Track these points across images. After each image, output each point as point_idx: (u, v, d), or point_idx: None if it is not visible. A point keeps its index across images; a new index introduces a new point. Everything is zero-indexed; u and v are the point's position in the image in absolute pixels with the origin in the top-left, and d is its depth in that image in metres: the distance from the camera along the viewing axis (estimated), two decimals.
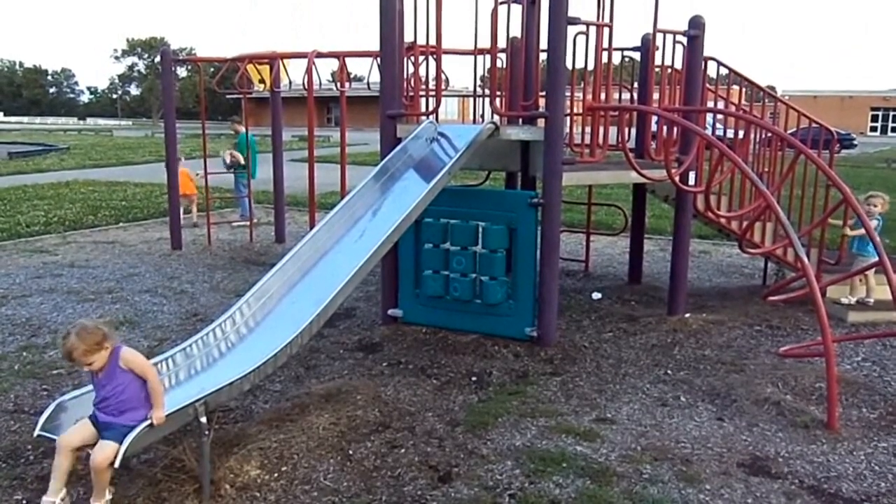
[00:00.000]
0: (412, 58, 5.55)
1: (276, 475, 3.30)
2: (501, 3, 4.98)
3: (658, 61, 5.64)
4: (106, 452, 2.82)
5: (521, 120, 5.46)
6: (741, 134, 6.44)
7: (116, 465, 2.78)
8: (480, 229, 5.10)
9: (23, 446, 3.57)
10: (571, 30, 4.88)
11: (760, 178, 5.82)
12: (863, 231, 5.19)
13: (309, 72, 7.51)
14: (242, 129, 9.83)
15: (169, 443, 3.34)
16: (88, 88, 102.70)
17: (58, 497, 2.93)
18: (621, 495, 3.18)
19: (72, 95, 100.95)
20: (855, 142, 33.15)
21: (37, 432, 2.98)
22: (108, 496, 2.96)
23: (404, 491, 3.22)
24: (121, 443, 2.82)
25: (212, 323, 3.73)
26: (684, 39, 5.58)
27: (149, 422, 2.90)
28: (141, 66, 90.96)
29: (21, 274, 7.24)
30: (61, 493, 2.94)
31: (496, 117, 5.22)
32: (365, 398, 4.12)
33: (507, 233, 5.05)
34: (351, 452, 3.54)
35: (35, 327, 5.54)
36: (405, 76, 5.63)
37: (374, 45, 5.56)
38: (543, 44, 4.99)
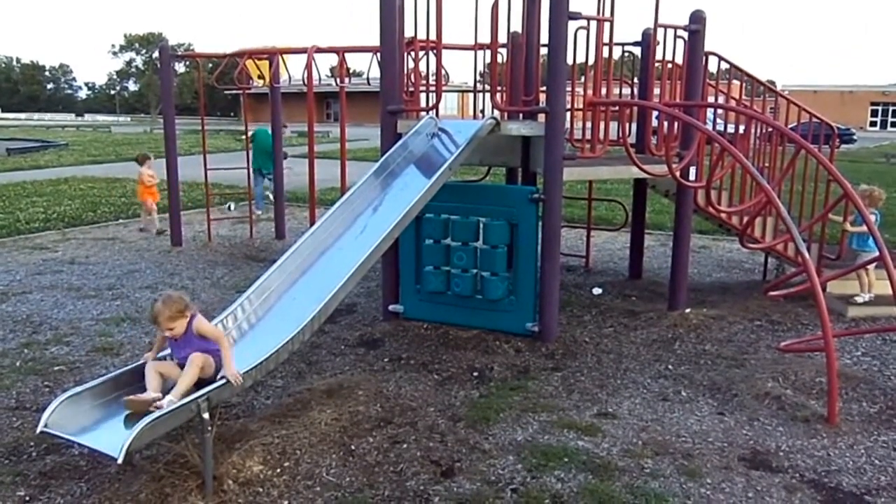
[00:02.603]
0: (412, 53, 5.54)
1: (278, 471, 3.31)
2: None
3: (659, 56, 5.63)
4: (205, 359, 3.20)
5: (521, 115, 5.46)
6: (741, 129, 6.44)
7: (119, 461, 2.77)
8: (481, 225, 5.10)
9: (25, 443, 3.58)
10: (572, 25, 4.87)
11: (761, 173, 5.83)
12: (864, 228, 5.19)
13: (308, 67, 7.49)
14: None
15: (172, 439, 3.35)
16: (86, 84, 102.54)
17: (158, 394, 3.10)
18: (623, 489, 3.19)
19: (70, 91, 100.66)
20: (854, 137, 33.12)
21: (39, 429, 2.97)
22: (180, 399, 3.05)
23: (406, 486, 3.23)
24: (215, 360, 3.22)
25: (213, 319, 3.73)
26: (685, 34, 5.57)
27: (224, 381, 3.12)
28: (139, 61, 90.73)
29: (21, 271, 7.24)
30: (157, 392, 3.13)
31: (497, 113, 5.21)
32: (366, 394, 4.13)
33: (507, 228, 5.05)
34: (353, 448, 3.55)
35: (36, 324, 5.54)
36: (405, 71, 5.62)
37: (374, 40, 5.55)
38: (544, 39, 4.98)
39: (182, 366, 3.21)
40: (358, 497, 3.14)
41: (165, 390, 3.15)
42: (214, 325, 3.65)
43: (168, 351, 3.38)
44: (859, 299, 5.84)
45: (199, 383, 3.18)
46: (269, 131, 9.71)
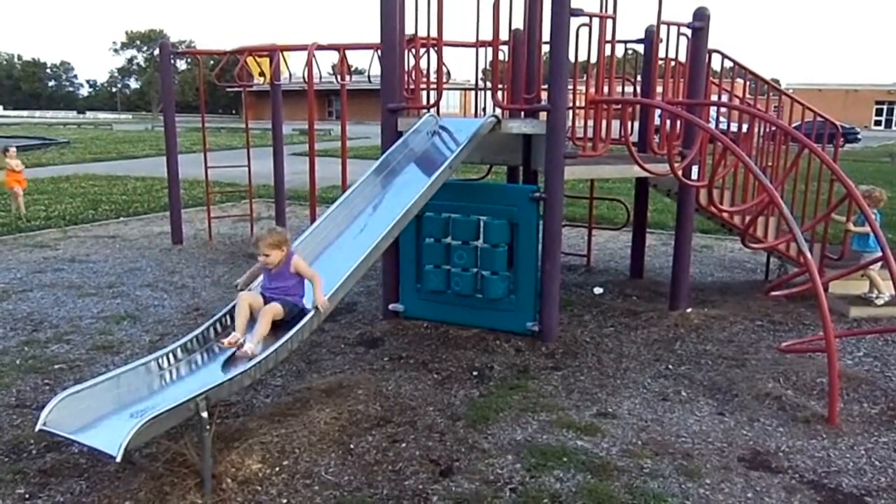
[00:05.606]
0: (413, 50, 5.52)
1: (277, 469, 3.31)
2: None
3: (662, 54, 5.61)
4: (276, 308, 3.55)
5: (523, 113, 5.43)
6: (745, 128, 6.41)
7: (118, 459, 2.76)
8: (482, 224, 5.09)
9: (25, 441, 3.58)
10: (574, 21, 4.85)
11: (764, 172, 5.80)
12: (866, 228, 5.17)
13: (309, 64, 7.48)
14: None
15: (171, 437, 3.35)
16: (88, 82, 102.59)
17: (241, 335, 3.44)
18: (622, 489, 3.18)
19: (71, 89, 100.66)
20: (859, 136, 33.02)
21: (39, 427, 2.96)
22: (260, 346, 3.41)
23: (405, 485, 3.22)
24: (284, 306, 3.55)
25: (213, 317, 3.73)
26: (688, 32, 5.54)
27: (314, 311, 3.51)
28: (140, 59, 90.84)
29: (22, 269, 7.24)
30: (244, 334, 3.46)
31: (498, 110, 5.19)
32: (366, 393, 4.13)
33: (508, 227, 5.04)
34: (352, 447, 3.55)
35: (36, 322, 5.54)
36: (406, 69, 5.60)
37: (375, 38, 5.53)
38: (546, 36, 4.96)
39: (265, 298, 3.59)
40: (357, 496, 3.13)
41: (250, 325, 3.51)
42: (213, 323, 3.66)
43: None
44: (879, 301, 5.79)
45: (274, 326, 3.52)
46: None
